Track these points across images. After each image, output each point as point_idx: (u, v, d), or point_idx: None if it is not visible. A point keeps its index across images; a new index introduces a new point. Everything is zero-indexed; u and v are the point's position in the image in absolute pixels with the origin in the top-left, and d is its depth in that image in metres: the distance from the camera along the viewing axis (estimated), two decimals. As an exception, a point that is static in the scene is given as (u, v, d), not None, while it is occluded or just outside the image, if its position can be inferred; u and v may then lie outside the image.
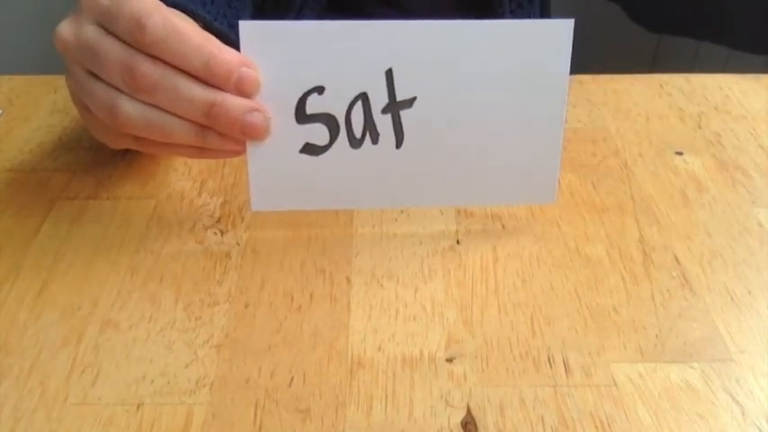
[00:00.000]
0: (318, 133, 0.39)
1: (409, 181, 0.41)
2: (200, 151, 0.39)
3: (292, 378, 0.35)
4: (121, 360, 0.35)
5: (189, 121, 0.37)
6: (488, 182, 0.41)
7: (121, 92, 0.37)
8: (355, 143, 0.39)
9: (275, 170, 0.39)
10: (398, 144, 0.39)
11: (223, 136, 0.38)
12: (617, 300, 0.39)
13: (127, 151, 0.49)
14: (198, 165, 0.48)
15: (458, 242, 0.42)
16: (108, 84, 0.38)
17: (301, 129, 0.38)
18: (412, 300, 0.39)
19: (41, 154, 0.49)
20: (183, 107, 0.37)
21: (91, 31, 0.38)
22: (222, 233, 0.43)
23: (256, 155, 0.39)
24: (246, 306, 0.38)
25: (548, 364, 0.35)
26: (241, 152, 0.39)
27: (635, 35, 0.89)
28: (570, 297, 0.39)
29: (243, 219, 0.44)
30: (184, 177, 0.47)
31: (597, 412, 0.33)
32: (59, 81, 0.57)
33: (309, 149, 0.39)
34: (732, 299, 0.39)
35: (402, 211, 0.44)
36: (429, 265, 0.41)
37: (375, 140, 0.39)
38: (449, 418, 0.33)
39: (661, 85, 0.57)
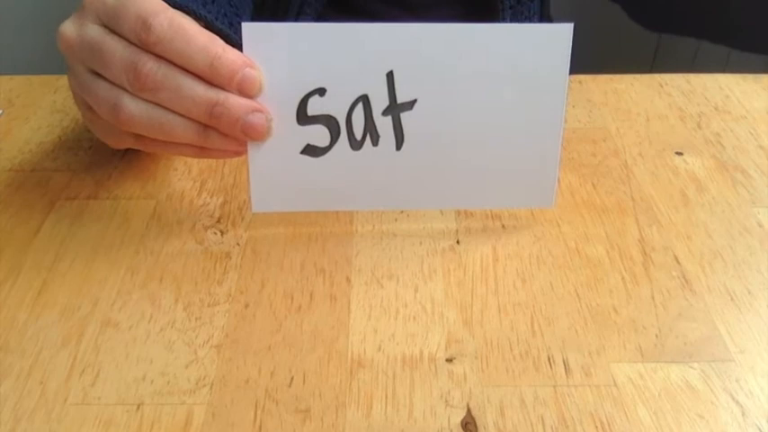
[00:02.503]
0: (319, 135, 0.39)
1: (408, 183, 0.41)
2: (201, 151, 0.39)
3: (292, 378, 0.35)
4: (121, 360, 0.35)
5: (191, 119, 0.38)
6: (487, 185, 0.41)
7: (125, 90, 0.37)
8: (355, 145, 0.39)
9: (276, 171, 0.40)
10: (398, 146, 0.39)
11: (224, 136, 0.38)
12: (617, 300, 0.39)
13: (127, 151, 0.49)
14: (198, 165, 0.48)
15: (458, 242, 0.42)
16: (111, 82, 0.38)
17: (302, 130, 0.39)
18: (412, 300, 0.39)
19: (41, 154, 0.49)
20: (186, 105, 0.37)
21: (95, 30, 0.38)
22: (222, 233, 0.43)
23: (257, 156, 0.39)
24: (246, 306, 0.38)
25: (548, 364, 0.35)
26: (242, 153, 0.39)
27: (635, 35, 0.89)
28: (570, 297, 0.39)
29: (243, 219, 0.44)
30: (184, 177, 0.47)
31: (597, 412, 0.33)
32: (59, 81, 0.57)
33: (310, 151, 0.39)
34: (732, 299, 0.39)
35: (402, 211, 0.44)
36: (429, 265, 0.41)
37: (375, 142, 0.39)
38: (449, 418, 0.33)
39: (661, 85, 0.57)
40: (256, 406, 0.33)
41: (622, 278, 0.40)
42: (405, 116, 0.39)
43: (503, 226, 0.44)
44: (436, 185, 0.41)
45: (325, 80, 0.38)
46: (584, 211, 0.45)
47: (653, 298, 0.39)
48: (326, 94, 0.38)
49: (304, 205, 0.42)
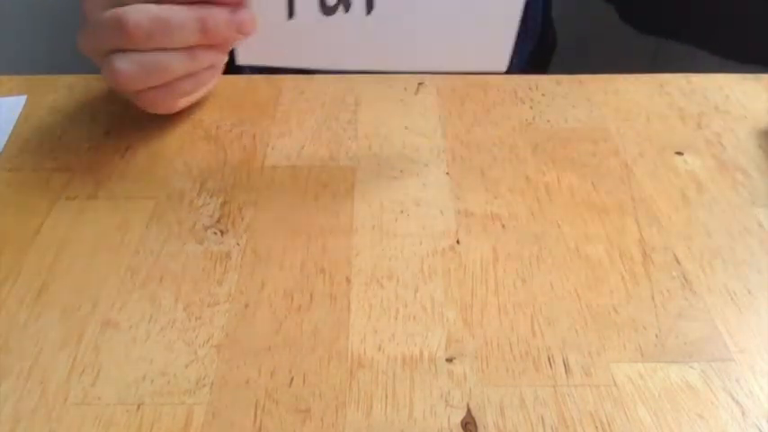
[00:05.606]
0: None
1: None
2: (196, 78, 0.44)
3: (292, 378, 0.35)
4: (121, 360, 0.35)
5: (181, 50, 0.41)
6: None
7: (116, 52, 0.41)
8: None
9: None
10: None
11: (209, 48, 0.42)
12: (617, 300, 0.39)
13: (127, 151, 0.49)
14: (198, 165, 0.48)
15: (458, 242, 0.42)
16: (105, 53, 0.41)
17: None
18: (412, 300, 0.39)
19: (41, 154, 0.49)
20: (179, 36, 0.40)
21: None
22: (222, 233, 0.43)
23: None
24: (246, 306, 0.38)
25: (548, 364, 0.35)
26: (224, 56, 0.43)
27: (635, 35, 0.89)
28: (570, 297, 0.39)
29: (243, 219, 0.44)
30: (184, 177, 0.47)
31: (597, 412, 0.33)
32: (59, 81, 0.57)
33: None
34: (732, 299, 0.39)
35: (402, 211, 0.44)
36: (429, 265, 0.41)
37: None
38: (449, 418, 0.33)
39: (661, 85, 0.57)
40: (256, 406, 0.33)
41: (622, 278, 0.40)
42: None
43: (503, 226, 0.44)
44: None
45: None
46: (584, 211, 0.45)
47: (653, 298, 0.39)
48: None
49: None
